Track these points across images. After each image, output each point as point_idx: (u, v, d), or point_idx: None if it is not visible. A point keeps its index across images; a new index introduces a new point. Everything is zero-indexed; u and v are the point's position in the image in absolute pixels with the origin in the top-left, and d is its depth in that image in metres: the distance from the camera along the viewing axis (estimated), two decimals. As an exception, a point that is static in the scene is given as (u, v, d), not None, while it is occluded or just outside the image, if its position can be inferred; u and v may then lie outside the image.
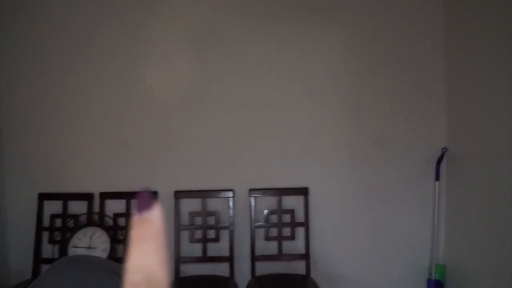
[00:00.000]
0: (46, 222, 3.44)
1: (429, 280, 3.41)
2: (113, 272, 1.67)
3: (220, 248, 3.44)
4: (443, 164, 3.45)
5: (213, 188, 3.46)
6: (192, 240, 3.42)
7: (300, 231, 3.45)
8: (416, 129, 3.49)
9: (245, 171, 3.50)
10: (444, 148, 3.43)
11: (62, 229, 3.43)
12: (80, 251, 3.28)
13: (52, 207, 3.44)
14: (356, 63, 3.47)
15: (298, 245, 3.44)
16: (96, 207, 3.46)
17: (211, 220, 3.45)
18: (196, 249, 3.42)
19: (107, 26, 3.45)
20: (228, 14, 3.45)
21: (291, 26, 3.45)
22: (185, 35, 3.45)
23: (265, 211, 3.44)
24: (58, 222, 3.45)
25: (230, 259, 3.37)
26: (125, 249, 3.34)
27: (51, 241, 3.42)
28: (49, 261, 3.35)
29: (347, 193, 3.53)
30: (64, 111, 3.49)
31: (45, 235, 3.45)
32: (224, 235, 3.44)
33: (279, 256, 3.41)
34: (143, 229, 0.52)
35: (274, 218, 3.45)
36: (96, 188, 3.47)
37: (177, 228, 3.39)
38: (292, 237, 3.43)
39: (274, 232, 3.44)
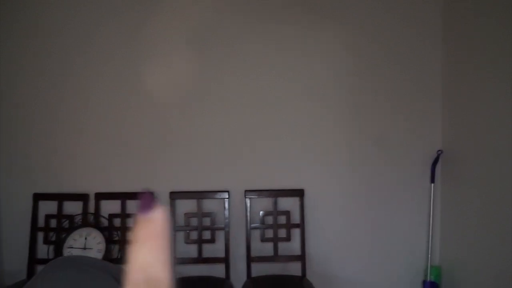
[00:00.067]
0: (41, 222, 3.43)
1: (424, 282, 3.37)
2: (108, 273, 1.65)
3: (215, 249, 3.41)
4: (439, 165, 3.44)
5: (209, 189, 3.44)
6: (188, 241, 3.39)
7: (296, 232, 3.42)
8: (415, 130, 3.47)
9: (242, 172, 3.47)
10: (439, 150, 3.41)
11: (57, 230, 3.41)
12: (75, 252, 3.26)
13: (47, 207, 3.43)
14: (355, 63, 3.45)
15: (293, 247, 3.41)
16: (91, 208, 3.45)
17: (207, 221, 3.42)
18: (191, 250, 3.40)
19: (107, 26, 3.46)
20: (228, 14, 3.45)
21: (291, 26, 3.44)
22: (185, 35, 3.45)
23: (261, 213, 3.41)
24: (53, 223, 3.43)
25: (225, 260, 3.34)
26: (121, 249, 3.34)
27: (46, 241, 3.40)
28: (44, 261, 3.32)
29: (344, 194, 3.50)
30: (64, 111, 3.49)
31: (40, 236, 3.43)
32: (220, 236, 3.41)
33: (275, 257, 3.37)
34: (145, 229, 0.52)
35: (269, 220, 3.42)
36: (91, 188, 3.46)
37: (172, 229, 3.36)
38: (287, 239, 3.40)
39: (269, 233, 3.40)
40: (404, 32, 3.46)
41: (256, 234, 3.41)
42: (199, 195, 3.42)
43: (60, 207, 3.43)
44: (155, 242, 0.51)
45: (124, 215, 3.43)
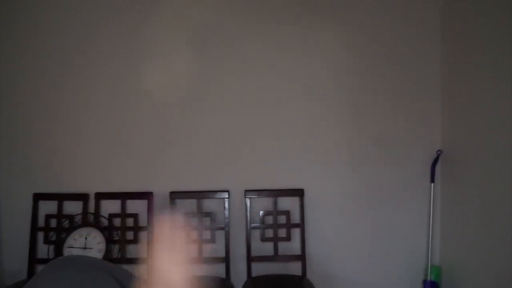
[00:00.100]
0: (41, 222, 3.44)
1: (424, 281, 3.37)
2: (108, 273, 1.66)
3: (215, 249, 3.41)
4: (438, 166, 3.44)
5: (209, 189, 3.45)
6: (188, 241, 3.40)
7: (296, 232, 3.43)
8: (415, 130, 3.48)
9: (242, 172, 3.48)
10: (439, 150, 3.42)
11: (57, 230, 3.42)
12: (76, 252, 3.27)
13: (47, 207, 3.44)
14: (355, 63, 3.46)
15: (294, 246, 3.42)
16: (91, 208, 3.45)
17: (207, 221, 3.42)
18: (191, 250, 3.40)
19: (107, 26, 3.46)
20: (228, 14, 3.45)
21: (291, 26, 3.45)
22: (185, 35, 3.45)
23: (261, 212, 3.42)
24: (53, 223, 3.44)
25: (226, 260, 3.35)
26: (121, 249, 3.34)
27: (46, 241, 3.42)
28: (44, 261, 3.33)
29: (344, 194, 3.50)
30: (64, 111, 3.50)
31: (40, 236, 3.44)
32: (220, 236, 3.41)
33: (275, 257, 3.38)
34: (164, 230, 0.53)
35: (269, 219, 3.43)
36: (91, 188, 3.47)
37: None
38: (288, 238, 3.41)
39: (269, 233, 3.41)
40: (403, 32, 3.46)
41: (256, 234, 3.42)
42: (199, 195, 3.43)
43: (60, 207, 3.44)
44: (174, 242, 0.52)
45: (124, 215, 3.44)
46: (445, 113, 3.42)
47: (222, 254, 3.37)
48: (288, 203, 3.45)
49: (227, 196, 3.41)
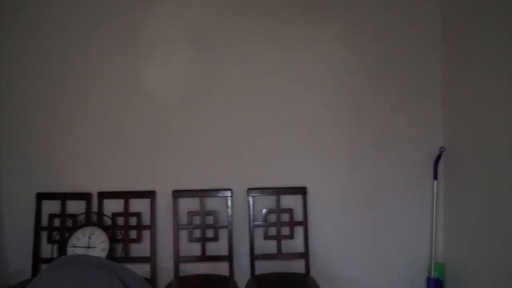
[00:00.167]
0: (44, 222, 3.45)
1: (428, 279, 3.41)
2: (111, 272, 1.67)
3: (219, 247, 3.45)
4: (441, 163, 3.47)
5: (211, 187, 3.47)
6: (191, 239, 3.42)
7: (299, 230, 3.46)
8: (415, 128, 3.50)
9: (244, 170, 3.50)
10: (441, 147, 3.44)
11: (60, 229, 3.43)
12: (79, 251, 3.28)
13: (51, 206, 3.45)
14: (356, 63, 3.48)
15: (297, 244, 3.45)
16: (94, 207, 3.46)
17: (210, 220, 3.45)
18: (195, 249, 3.43)
19: (107, 26, 3.46)
20: (228, 14, 3.47)
21: (291, 26, 3.47)
22: (185, 35, 3.46)
23: (264, 211, 3.45)
24: (57, 222, 3.45)
25: (229, 258, 3.37)
26: (124, 248, 3.36)
27: (50, 240, 3.43)
28: (48, 260, 3.37)
29: (346, 192, 3.53)
30: (64, 111, 3.50)
31: (44, 235, 3.45)
32: (223, 234, 3.44)
33: (278, 255, 3.41)
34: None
35: (272, 217, 3.46)
36: (94, 187, 3.48)
37: (175, 227, 3.40)
38: (291, 236, 3.43)
39: (273, 231, 3.44)
40: (403, 32, 3.49)
41: (259, 232, 3.45)
42: (202, 193, 3.45)
43: (63, 207, 3.46)
44: None
45: (127, 214, 3.45)
46: (446, 110, 3.45)
47: (225, 252, 3.40)
48: (291, 201, 3.47)
49: (230, 195, 3.43)
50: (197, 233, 3.44)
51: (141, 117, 3.49)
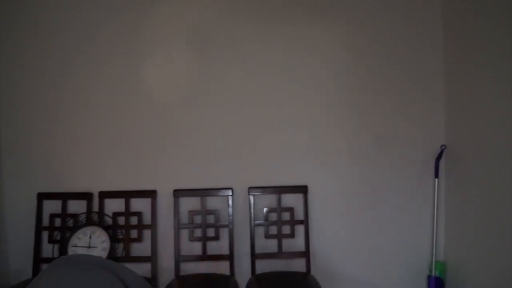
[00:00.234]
0: (45, 221, 3.45)
1: (429, 277, 3.42)
2: (112, 272, 1.68)
3: (220, 246, 3.46)
4: (442, 161, 3.47)
5: (212, 186, 3.47)
6: (192, 238, 3.43)
7: (300, 229, 3.46)
8: (416, 127, 3.51)
9: (245, 169, 3.51)
10: (443, 145, 3.45)
11: (61, 229, 3.43)
12: (80, 251, 3.28)
13: (51, 206, 3.46)
14: (356, 63, 3.49)
15: (298, 243, 3.46)
16: (95, 206, 3.47)
17: (211, 219, 3.46)
18: (196, 248, 3.44)
19: (107, 26, 3.47)
20: (228, 14, 3.47)
21: (291, 26, 3.47)
22: (185, 35, 3.47)
23: (265, 209, 3.45)
24: (58, 222, 3.46)
25: (230, 257, 3.38)
26: (125, 248, 3.36)
27: (51, 240, 3.43)
28: (49, 260, 3.37)
29: (347, 191, 3.54)
30: (64, 111, 3.50)
31: (45, 235, 3.45)
32: (224, 233, 3.45)
33: (279, 254, 3.42)
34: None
35: (273, 216, 3.46)
36: (95, 187, 3.48)
37: (176, 226, 3.40)
38: (291, 235, 3.44)
39: (273, 230, 3.45)
40: (404, 32, 3.49)
41: (260, 231, 3.45)
42: (203, 192, 3.45)
43: (64, 206, 3.46)
44: None
45: (128, 214, 3.46)
46: (448, 109, 3.45)
47: (226, 251, 3.41)
48: (292, 199, 3.48)
49: (230, 194, 3.44)
50: (198, 232, 3.44)
51: (141, 117, 3.50)
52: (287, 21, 3.47)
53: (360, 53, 3.49)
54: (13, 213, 3.52)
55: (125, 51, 3.47)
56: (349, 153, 3.52)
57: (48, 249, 3.42)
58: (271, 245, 3.44)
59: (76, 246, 3.31)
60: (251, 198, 3.43)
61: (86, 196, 3.46)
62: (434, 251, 3.41)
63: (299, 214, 3.46)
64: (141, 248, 3.45)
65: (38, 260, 3.40)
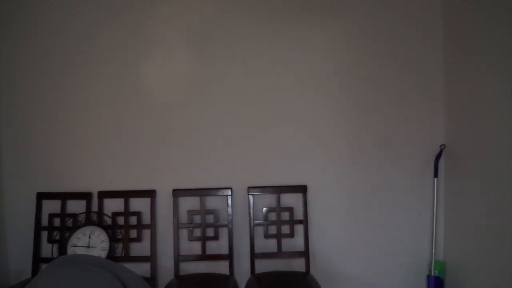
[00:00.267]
0: (44, 221, 3.45)
1: (428, 277, 3.41)
2: (111, 272, 1.67)
3: (219, 246, 3.46)
4: (442, 161, 3.47)
5: (211, 186, 3.47)
6: (191, 238, 3.43)
7: (299, 228, 3.46)
8: (415, 127, 3.50)
9: (244, 169, 3.50)
10: (442, 145, 3.44)
11: (61, 229, 3.43)
12: (79, 250, 3.28)
13: (51, 206, 3.46)
14: (356, 63, 3.49)
15: (297, 243, 3.46)
16: (94, 206, 3.47)
17: (210, 218, 3.46)
18: (195, 247, 3.43)
19: (107, 26, 3.47)
20: (228, 14, 3.47)
21: (292, 25, 3.47)
22: (185, 35, 3.47)
23: (264, 209, 3.45)
24: (57, 222, 3.46)
25: (229, 257, 3.38)
26: (124, 248, 3.36)
27: (50, 240, 3.43)
28: (48, 260, 3.38)
29: (346, 190, 3.53)
30: (64, 111, 3.50)
31: (44, 235, 3.46)
32: (223, 233, 3.45)
33: (279, 253, 3.42)
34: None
35: (273, 216, 3.46)
36: (94, 187, 3.49)
37: (176, 226, 3.40)
38: (291, 235, 3.44)
39: (273, 229, 3.45)
40: (404, 32, 3.49)
41: (259, 231, 3.45)
42: (202, 192, 3.45)
43: (63, 206, 3.46)
44: None
45: (128, 213, 3.45)
46: (448, 109, 3.44)
47: (225, 251, 3.40)
48: (291, 199, 3.48)
49: (230, 193, 3.43)
50: (197, 232, 3.44)
51: (141, 117, 3.50)
52: (287, 21, 3.47)
53: (360, 53, 3.49)
54: (13, 213, 3.52)
55: (125, 51, 3.48)
56: (349, 153, 3.52)
57: (47, 249, 3.42)
58: (271, 245, 3.44)
59: (76, 246, 3.31)
60: (251, 197, 3.43)
61: (85, 196, 3.46)
62: (433, 250, 3.41)
63: (299, 214, 3.46)
64: (141, 248, 3.45)
65: (38, 260, 3.39)
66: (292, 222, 3.44)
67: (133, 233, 3.46)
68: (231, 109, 3.50)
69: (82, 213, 3.43)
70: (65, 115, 3.51)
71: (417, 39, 3.49)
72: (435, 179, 3.41)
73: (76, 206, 3.46)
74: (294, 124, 3.50)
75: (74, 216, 3.44)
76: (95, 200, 3.47)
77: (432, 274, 3.38)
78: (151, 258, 3.39)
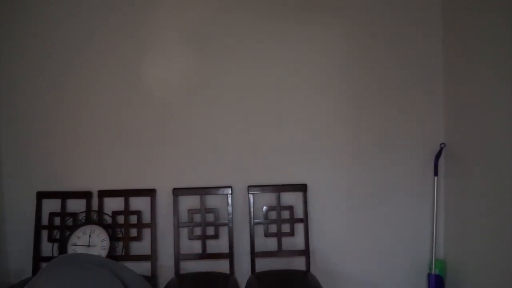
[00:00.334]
0: (45, 220, 3.45)
1: (429, 275, 3.41)
2: (111, 271, 1.68)
3: (219, 245, 3.46)
4: (442, 160, 3.47)
5: (211, 185, 3.48)
6: (192, 237, 3.43)
7: (300, 227, 3.46)
8: (415, 126, 3.50)
9: (244, 168, 3.50)
10: (442, 143, 3.45)
11: (61, 228, 3.43)
12: (80, 249, 3.28)
13: (51, 205, 3.46)
14: (356, 62, 3.49)
15: (297, 241, 3.46)
16: (94, 205, 3.47)
17: (210, 217, 3.45)
18: (195, 246, 3.44)
19: (107, 25, 3.48)
20: (228, 12, 3.48)
21: (292, 24, 3.48)
22: (185, 34, 3.47)
23: (264, 208, 3.45)
24: (57, 221, 3.46)
25: (229, 255, 3.37)
26: (124, 247, 3.36)
27: (51, 239, 3.43)
28: (48, 259, 3.37)
29: (346, 189, 3.53)
30: (64, 111, 3.51)
31: (44, 234, 3.46)
32: (224, 232, 3.45)
33: (279, 252, 3.42)
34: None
35: (273, 215, 3.46)
36: (94, 186, 3.49)
37: (176, 225, 3.40)
38: (291, 233, 3.44)
39: (273, 228, 3.45)
40: (404, 31, 3.49)
41: (259, 230, 3.45)
42: (202, 191, 3.45)
43: (63, 205, 3.46)
44: None
45: (128, 212, 3.46)
46: (448, 107, 3.45)
47: (226, 250, 3.41)
48: (291, 198, 3.48)
49: (230, 192, 3.44)
50: (198, 231, 3.44)
51: (141, 116, 3.50)
52: (288, 20, 3.47)
53: (360, 53, 3.49)
54: (13, 212, 3.52)
55: (125, 50, 3.48)
56: (349, 152, 3.52)
57: (47, 248, 3.43)
58: (271, 244, 3.44)
59: (76, 245, 3.31)
60: (251, 196, 3.43)
61: (85, 195, 3.46)
62: (434, 249, 3.41)
63: (299, 213, 3.46)
64: (141, 247, 3.46)
65: (38, 259, 3.40)
66: (292, 220, 3.44)
67: (133, 232, 3.46)
68: (231, 108, 3.50)
69: (82, 212, 3.43)
70: (65, 115, 3.51)
71: (417, 39, 3.49)
72: (435, 177, 3.41)
73: (76, 205, 3.46)
74: (294, 123, 3.50)
75: (74, 215, 3.44)
76: (95, 199, 3.47)
77: (433, 272, 3.38)
78: (151, 257, 3.39)
